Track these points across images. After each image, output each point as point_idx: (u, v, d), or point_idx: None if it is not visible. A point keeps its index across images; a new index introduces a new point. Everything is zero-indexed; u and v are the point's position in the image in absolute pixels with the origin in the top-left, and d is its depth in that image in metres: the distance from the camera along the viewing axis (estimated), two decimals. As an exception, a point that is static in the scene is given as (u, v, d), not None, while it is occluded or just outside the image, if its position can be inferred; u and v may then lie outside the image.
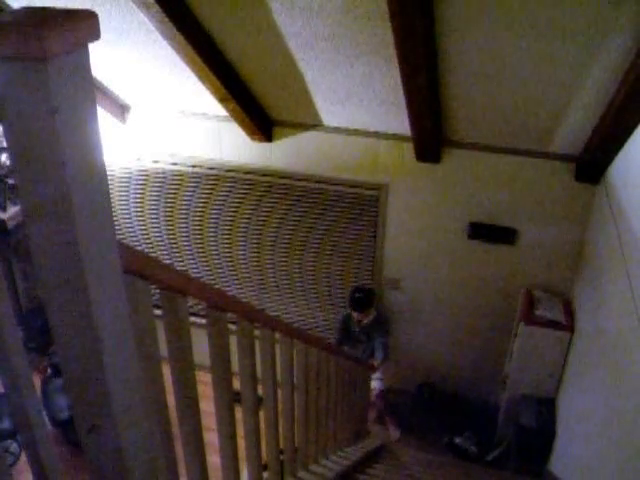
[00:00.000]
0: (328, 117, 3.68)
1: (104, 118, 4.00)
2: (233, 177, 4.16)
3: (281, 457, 2.13)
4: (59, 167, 0.59)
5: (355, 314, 3.99)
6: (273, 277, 4.45)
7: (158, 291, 1.21)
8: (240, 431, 1.66)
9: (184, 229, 4.45)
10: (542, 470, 3.52)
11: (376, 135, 3.72)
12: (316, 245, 4.22)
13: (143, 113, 4.14)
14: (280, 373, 2.07)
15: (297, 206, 4.13)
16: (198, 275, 4.50)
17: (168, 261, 4.50)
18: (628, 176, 2.79)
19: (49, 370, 4.15)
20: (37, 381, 4.07)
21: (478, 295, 4.03)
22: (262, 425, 1.87)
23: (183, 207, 4.36)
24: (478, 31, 2.47)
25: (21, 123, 0.58)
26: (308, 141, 3.87)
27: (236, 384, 1.60)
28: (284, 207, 4.16)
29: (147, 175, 4.33)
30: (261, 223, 4.26)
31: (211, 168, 4.16)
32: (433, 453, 3.98)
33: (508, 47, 2.54)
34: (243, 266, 4.46)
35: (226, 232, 4.37)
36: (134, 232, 4.56)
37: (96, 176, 0.65)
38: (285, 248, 4.30)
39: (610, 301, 2.80)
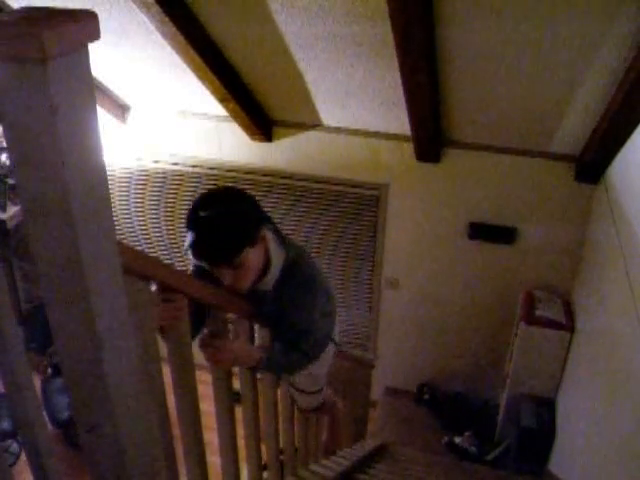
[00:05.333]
0: (328, 117, 3.68)
1: (104, 118, 4.01)
2: (233, 177, 4.15)
3: (281, 457, 2.13)
4: (59, 167, 0.59)
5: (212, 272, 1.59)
6: (273, 277, 4.44)
7: (158, 291, 1.20)
8: (240, 431, 1.66)
9: (184, 229, 4.44)
10: (542, 470, 3.52)
11: (376, 135, 3.72)
12: (316, 245, 4.22)
13: (143, 113, 4.14)
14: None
15: (297, 206, 4.13)
16: (198, 275, 4.49)
17: (168, 261, 4.49)
18: (628, 176, 2.79)
19: (49, 370, 4.15)
20: (37, 381, 4.07)
21: (478, 295, 4.03)
22: (262, 425, 1.86)
23: (183, 207, 4.36)
24: (478, 31, 2.47)
25: (21, 123, 0.58)
26: (308, 141, 3.87)
27: (236, 384, 1.60)
28: (284, 207, 4.15)
29: (147, 175, 4.33)
30: (261, 223, 4.25)
31: (211, 168, 4.16)
32: (433, 453, 3.98)
33: (508, 47, 2.54)
34: (243, 266, 4.45)
35: (226, 232, 4.36)
36: (134, 232, 4.56)
37: (96, 176, 0.65)
38: (285, 248, 4.29)
39: (610, 301, 2.80)
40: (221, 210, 1.49)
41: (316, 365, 1.97)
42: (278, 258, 1.61)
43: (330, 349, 2.09)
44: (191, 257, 1.55)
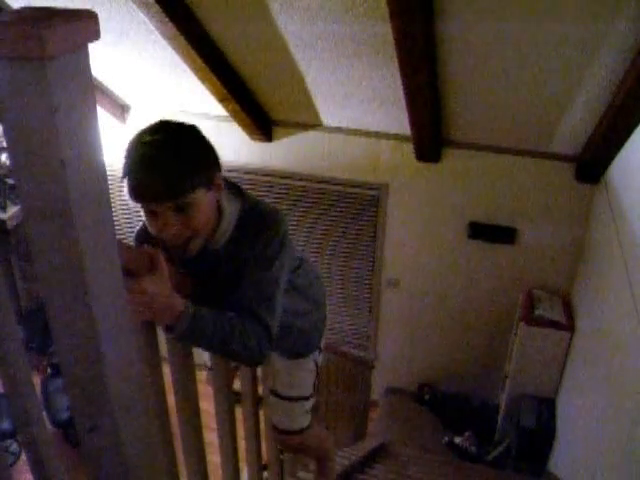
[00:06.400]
0: (328, 117, 3.68)
1: (104, 118, 4.01)
2: (233, 177, 4.16)
3: (281, 457, 2.13)
4: (59, 167, 0.59)
5: (152, 221, 1.20)
6: (273, 277, 4.44)
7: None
8: (240, 431, 1.66)
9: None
10: (542, 470, 3.52)
11: (376, 135, 3.72)
12: (316, 245, 4.22)
13: (143, 113, 4.14)
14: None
15: (297, 206, 4.13)
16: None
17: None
18: (628, 176, 2.79)
19: (49, 370, 4.15)
20: (37, 381, 4.07)
21: (478, 295, 4.03)
22: (262, 425, 1.86)
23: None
24: (478, 31, 2.47)
25: (21, 123, 0.58)
26: (308, 141, 3.87)
27: (236, 384, 1.60)
28: (284, 207, 4.15)
29: (147, 175, 4.33)
30: (261, 223, 4.26)
31: (211, 168, 4.15)
32: (433, 453, 3.98)
33: (508, 47, 2.55)
34: (243, 266, 4.46)
35: (226, 232, 4.36)
36: (134, 232, 4.55)
37: (96, 176, 0.65)
38: (285, 248, 4.29)
39: (610, 301, 2.80)
40: (177, 134, 1.17)
41: (298, 363, 1.68)
42: (233, 208, 1.27)
43: (317, 357, 1.74)
44: (127, 196, 1.14)
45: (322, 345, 1.77)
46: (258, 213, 1.27)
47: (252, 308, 1.18)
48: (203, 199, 1.15)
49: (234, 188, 1.31)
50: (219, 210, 1.25)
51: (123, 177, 1.12)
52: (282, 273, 1.25)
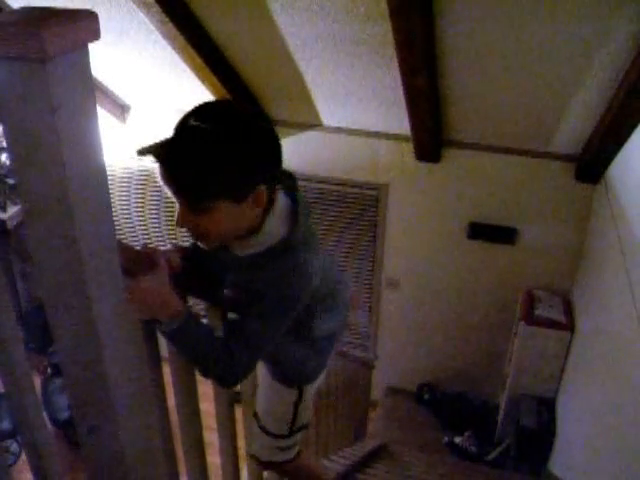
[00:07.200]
0: (328, 117, 3.68)
1: (104, 118, 4.00)
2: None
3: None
4: (59, 167, 0.59)
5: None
6: (273, 277, 4.44)
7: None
8: (240, 431, 1.66)
9: (185, 229, 4.44)
10: (542, 470, 3.52)
11: (376, 135, 3.72)
12: (316, 245, 4.22)
13: (143, 113, 4.14)
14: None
15: (297, 206, 4.13)
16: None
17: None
18: (628, 176, 2.79)
19: (49, 370, 4.15)
20: (37, 381, 4.07)
21: (478, 295, 4.03)
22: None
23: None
24: (479, 32, 2.47)
25: (21, 123, 0.58)
26: (308, 141, 3.87)
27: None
28: (284, 207, 4.16)
29: (147, 175, 4.33)
30: (261, 223, 4.25)
31: (211, 168, 4.15)
32: (433, 453, 3.98)
33: (509, 47, 2.55)
34: (243, 266, 4.45)
35: (226, 232, 4.36)
36: (135, 232, 4.56)
37: (96, 176, 0.65)
38: (285, 248, 4.29)
39: (610, 301, 2.80)
40: (225, 130, 1.00)
41: (276, 387, 1.53)
42: (275, 233, 1.13)
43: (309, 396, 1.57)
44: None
45: (309, 395, 1.55)
46: (295, 255, 1.13)
47: (234, 351, 1.12)
48: (223, 211, 1.03)
49: (293, 211, 1.16)
50: (260, 221, 1.12)
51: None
52: (280, 328, 1.18)
